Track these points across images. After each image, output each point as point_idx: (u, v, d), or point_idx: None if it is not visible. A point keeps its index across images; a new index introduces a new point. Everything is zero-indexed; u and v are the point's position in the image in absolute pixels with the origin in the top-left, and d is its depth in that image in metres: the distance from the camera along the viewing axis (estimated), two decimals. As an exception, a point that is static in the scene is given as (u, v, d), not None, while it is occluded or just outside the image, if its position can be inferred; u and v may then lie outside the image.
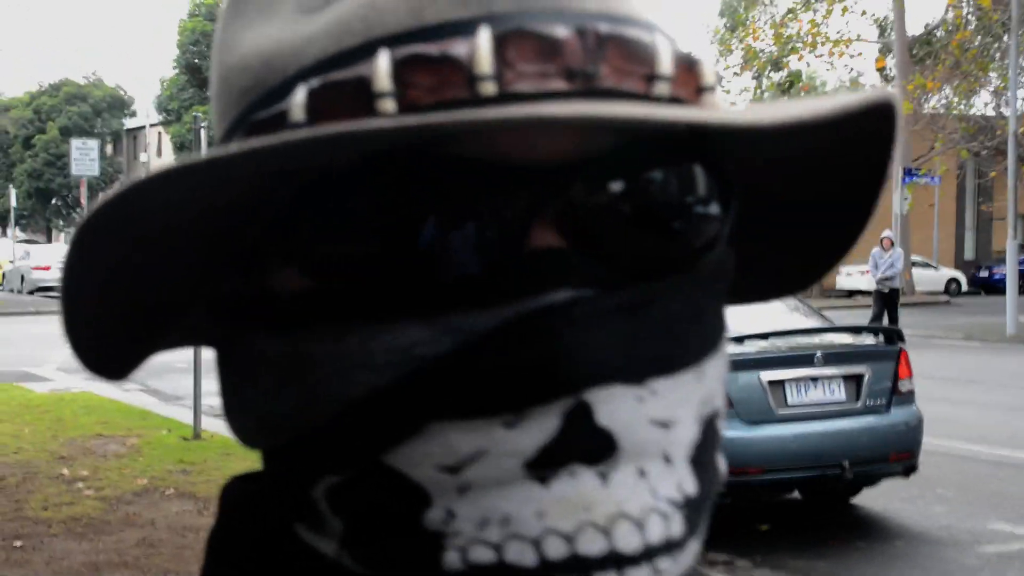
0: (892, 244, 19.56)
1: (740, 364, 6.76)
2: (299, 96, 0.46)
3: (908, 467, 7.13)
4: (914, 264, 33.91)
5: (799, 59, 31.56)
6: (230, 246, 0.49)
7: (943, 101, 30.66)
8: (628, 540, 0.44)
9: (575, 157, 0.46)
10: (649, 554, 0.45)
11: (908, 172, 25.51)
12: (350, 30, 0.46)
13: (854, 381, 7.08)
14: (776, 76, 34.96)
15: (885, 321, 18.08)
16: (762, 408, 6.75)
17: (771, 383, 6.82)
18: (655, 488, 0.46)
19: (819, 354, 6.97)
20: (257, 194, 0.45)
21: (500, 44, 0.44)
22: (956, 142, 28.93)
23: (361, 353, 0.45)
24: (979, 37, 28.23)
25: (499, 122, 0.41)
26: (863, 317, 18.49)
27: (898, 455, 7.05)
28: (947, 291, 36.30)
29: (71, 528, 6.65)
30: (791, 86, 34.70)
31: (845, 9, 29.47)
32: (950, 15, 29.74)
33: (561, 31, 0.45)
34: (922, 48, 31.81)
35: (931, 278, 36.36)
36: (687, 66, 0.48)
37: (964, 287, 37.71)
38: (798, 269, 0.61)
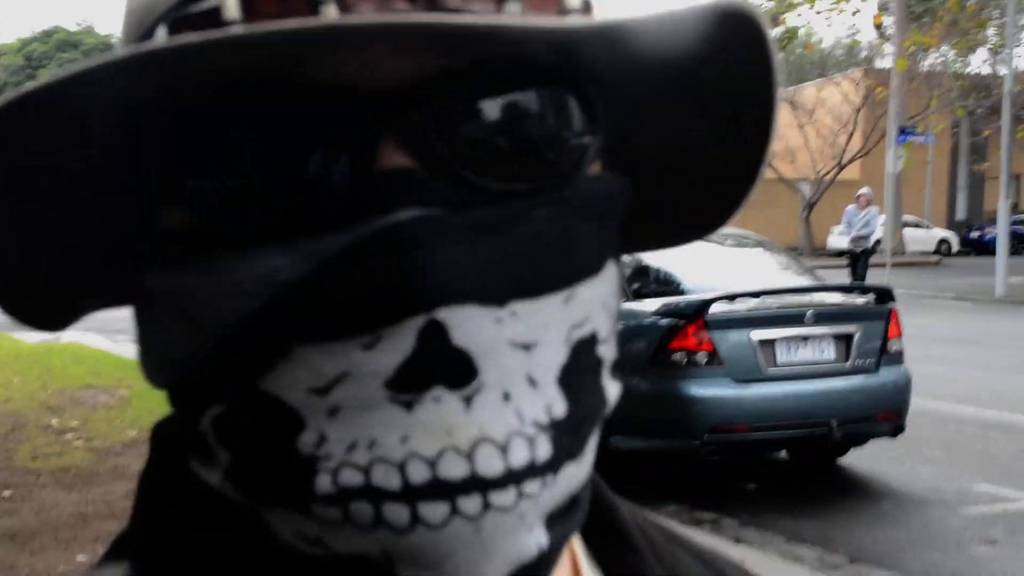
0: (869, 202, 18.51)
1: (730, 322, 6.76)
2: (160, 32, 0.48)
3: (896, 427, 7.16)
4: (905, 224, 33.95)
5: (797, 16, 31.37)
6: (121, 189, 0.49)
7: (940, 59, 30.54)
8: (490, 464, 0.45)
9: (421, 78, 0.46)
10: (513, 477, 0.45)
11: (903, 131, 25.41)
12: None
13: (844, 340, 7.08)
14: (774, 32, 34.72)
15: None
16: (752, 367, 6.76)
17: (761, 342, 6.82)
18: (520, 410, 0.46)
19: (810, 313, 6.97)
20: (140, 124, 0.46)
21: None
22: (952, 101, 28.83)
23: (229, 281, 0.46)
24: (977, -5, 28.04)
25: (345, 28, 0.41)
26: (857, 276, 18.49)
27: (886, 415, 7.07)
28: (938, 251, 36.39)
29: (60, 479, 6.66)
30: (789, 42, 34.51)
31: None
32: (949, -28, 29.49)
33: None
34: (921, 4, 31.63)
35: (922, 238, 36.42)
36: None
37: (955, 247, 37.78)
38: (703, 214, 0.60)
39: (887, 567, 5.73)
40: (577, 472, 0.49)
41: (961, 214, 44.15)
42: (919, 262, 32.14)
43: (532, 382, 0.47)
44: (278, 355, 0.45)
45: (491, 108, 0.47)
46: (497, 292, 0.45)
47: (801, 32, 36.41)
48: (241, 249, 0.46)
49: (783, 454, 7.79)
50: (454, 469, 0.44)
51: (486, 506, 0.45)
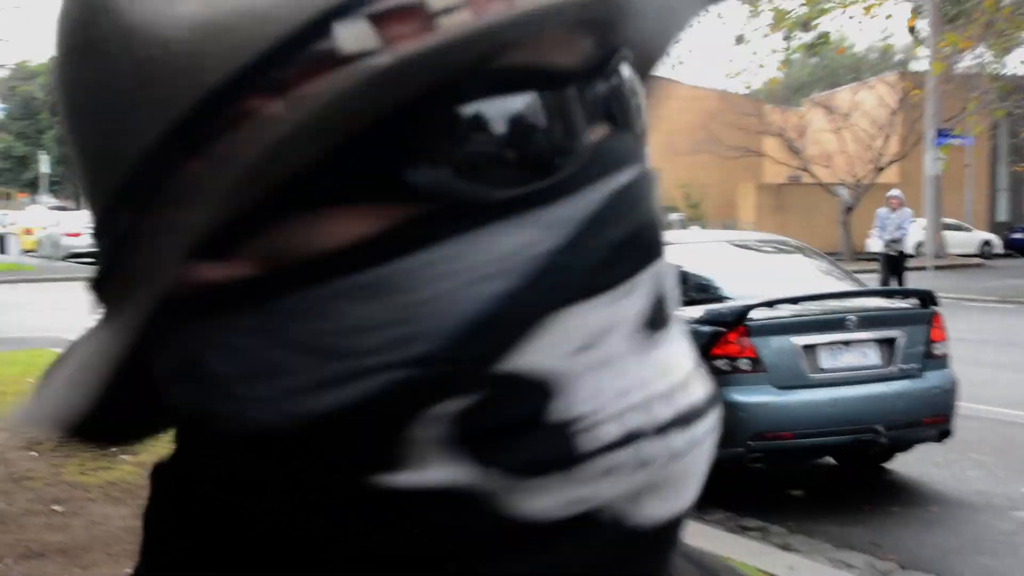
0: (900, 204, 17.95)
1: (772, 328, 6.73)
2: (351, 28, 0.44)
3: (943, 431, 7.09)
4: (946, 226, 33.63)
5: (830, 20, 31.22)
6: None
7: (976, 61, 30.26)
8: (696, 394, 0.50)
9: (588, 61, 0.50)
10: (706, 405, 0.50)
11: (941, 133, 25.20)
12: None
13: (887, 345, 7.03)
14: (806, 36, 34.59)
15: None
16: (795, 373, 6.73)
17: (804, 347, 6.79)
18: (685, 348, 0.52)
19: (852, 318, 6.93)
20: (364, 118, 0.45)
21: None
22: (990, 102, 28.55)
23: (468, 268, 0.46)
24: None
25: (554, 6, 0.45)
26: (893, 280, 18.31)
27: (932, 419, 7.01)
28: (981, 253, 36.01)
29: (109, 493, 6.73)
30: (823, 45, 34.33)
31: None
32: (984, -27, 29.25)
33: None
34: (954, 7, 31.38)
35: (964, 240, 36.07)
36: None
37: (998, 249, 37.38)
38: None
39: (937, 572, 5.68)
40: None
41: (1003, 216, 43.65)
42: (961, 264, 31.83)
43: (678, 327, 0.52)
44: (535, 328, 0.46)
45: (627, 74, 0.53)
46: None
47: (834, 36, 36.23)
48: (481, 229, 0.46)
49: (829, 459, 7.74)
50: (683, 400, 0.49)
51: (707, 431, 0.50)
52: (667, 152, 39.94)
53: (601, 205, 0.48)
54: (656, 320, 0.49)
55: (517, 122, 0.47)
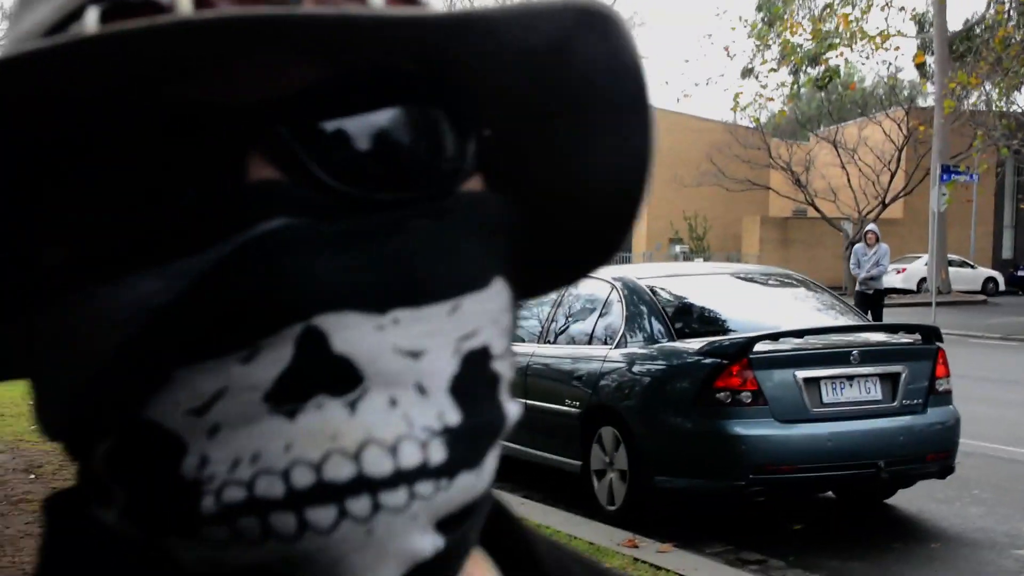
0: (877, 239, 16.83)
1: (775, 361, 6.72)
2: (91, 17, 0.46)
3: (944, 468, 7.06)
4: (951, 263, 33.61)
5: (838, 55, 31.35)
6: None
7: (983, 98, 30.35)
8: (378, 464, 0.45)
9: (285, 92, 0.46)
10: (404, 477, 0.45)
11: (946, 170, 25.23)
12: None
13: (890, 380, 7.01)
14: (814, 71, 34.72)
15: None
16: (797, 406, 6.71)
17: (806, 381, 6.77)
18: (409, 416, 0.46)
19: (855, 352, 6.92)
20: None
21: None
22: (996, 139, 28.61)
23: (106, 312, 0.46)
24: (1021, 33, 27.89)
25: (214, 21, 0.41)
26: (898, 315, 18.31)
27: (934, 455, 6.98)
28: (984, 290, 35.98)
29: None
30: (829, 81, 34.45)
31: (885, 6, 29.22)
32: (991, 11, 29.40)
33: None
34: (962, 44, 31.50)
35: (968, 277, 36.04)
36: None
37: (1002, 286, 37.35)
38: (592, 237, 0.60)
39: (938, 610, 5.63)
40: (475, 483, 0.49)
41: (1007, 253, 43.63)
42: (965, 301, 31.79)
43: (421, 389, 0.47)
44: (158, 381, 0.45)
45: (358, 120, 0.48)
46: (376, 299, 0.46)
47: (843, 72, 36.36)
48: (116, 278, 0.46)
49: (830, 493, 7.70)
50: (340, 470, 0.44)
51: (376, 507, 0.45)
52: (672, 183, 40.03)
53: (222, 257, 0.44)
54: (308, 386, 0.44)
55: (154, 160, 0.45)
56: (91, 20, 0.45)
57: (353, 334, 0.45)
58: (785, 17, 31.87)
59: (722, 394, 6.61)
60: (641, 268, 9.21)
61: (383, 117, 0.48)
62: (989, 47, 27.17)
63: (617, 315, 7.62)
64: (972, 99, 29.89)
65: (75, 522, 0.52)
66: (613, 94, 0.52)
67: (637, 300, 7.56)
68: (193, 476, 0.45)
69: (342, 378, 0.45)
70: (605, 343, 7.57)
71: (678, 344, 7.03)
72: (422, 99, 0.49)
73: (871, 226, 17.04)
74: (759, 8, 36.14)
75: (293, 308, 0.44)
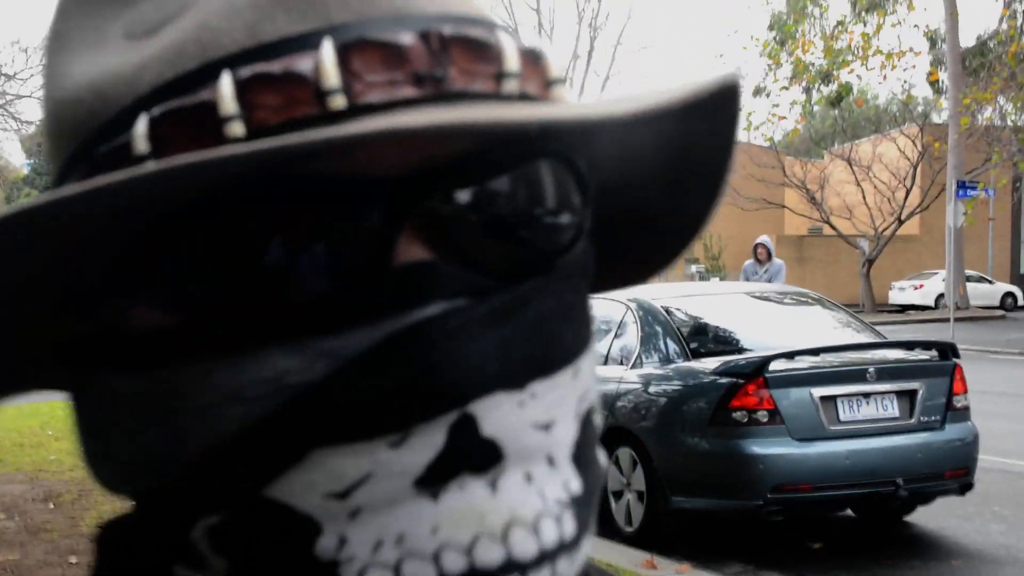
0: (770, 255, 13.94)
1: (791, 380, 6.70)
2: (140, 126, 0.44)
3: (964, 484, 7.02)
4: (968, 278, 33.46)
5: (849, 72, 31.33)
6: (70, 286, 0.47)
7: (998, 113, 30.27)
8: (524, 546, 0.44)
9: (433, 165, 0.45)
10: (547, 557, 0.45)
11: (962, 186, 25.16)
12: (185, 53, 0.44)
13: (908, 397, 6.98)
14: (826, 89, 34.71)
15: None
16: (814, 424, 6.68)
17: (823, 399, 6.75)
18: (543, 491, 0.46)
19: (872, 370, 6.90)
20: (101, 231, 0.43)
21: (344, 55, 0.43)
22: (1012, 155, 28.52)
23: (229, 387, 0.44)
24: (1034, 48, 27.84)
25: (358, 137, 0.39)
26: (916, 332, 18.22)
27: (953, 472, 6.94)
28: (1003, 305, 35.78)
29: (125, 544, 6.71)
30: (841, 99, 34.42)
31: (897, 24, 29.23)
32: (1004, 26, 29.36)
33: (405, 37, 0.44)
34: (975, 60, 31.45)
35: (986, 292, 35.84)
36: (533, 60, 0.48)
37: (1021, 301, 37.13)
38: (651, 254, 0.62)
39: (959, 628, 5.59)
40: (590, 543, 0.49)
41: (1025, 268, 43.41)
42: (983, 316, 31.62)
43: (551, 461, 0.46)
44: (289, 462, 0.43)
45: (498, 190, 0.47)
46: (518, 376, 0.45)
47: (856, 89, 36.35)
48: (241, 352, 0.44)
49: (848, 511, 7.66)
50: (491, 554, 0.44)
51: None
52: (688, 204, 39.80)
53: (379, 342, 0.43)
54: (455, 469, 0.43)
55: (297, 233, 0.43)
56: (234, 132, 0.43)
57: (500, 415, 0.44)
58: (797, 36, 31.88)
59: (738, 413, 6.59)
60: (655, 288, 9.23)
61: (520, 183, 0.47)
62: (1002, 62, 27.11)
63: (632, 336, 7.62)
64: (987, 114, 29.80)
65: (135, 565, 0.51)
66: (705, 157, 0.54)
67: (652, 320, 7.56)
68: (330, 557, 0.43)
69: (487, 459, 0.44)
70: (621, 364, 7.57)
71: (694, 364, 7.02)
72: (550, 159, 0.49)
73: (763, 238, 14.21)
74: (771, 27, 36.17)
75: (453, 396, 0.43)
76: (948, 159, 28.57)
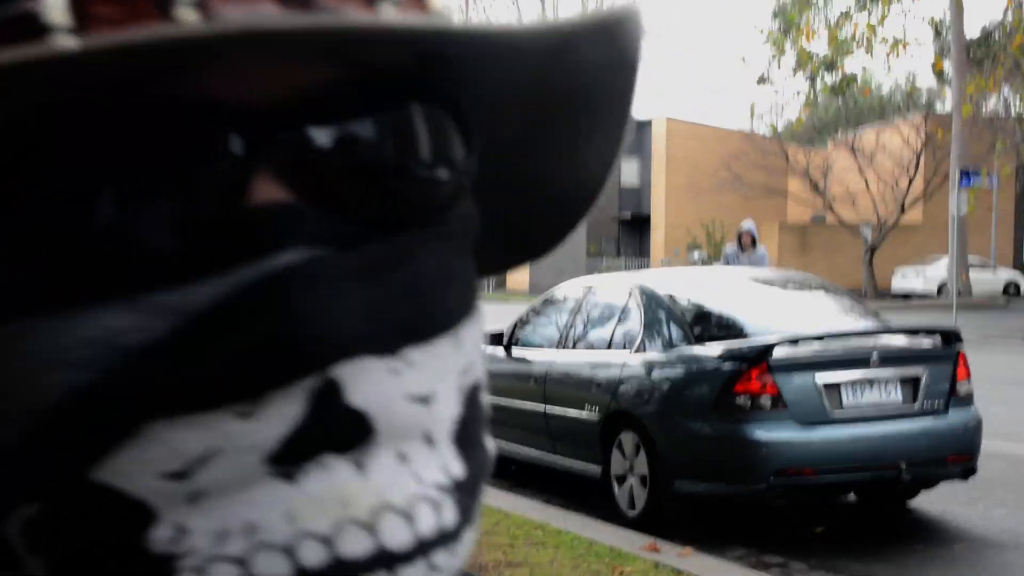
0: (754, 242, 13.13)
1: (794, 366, 6.72)
2: None
3: (966, 469, 7.04)
4: (971, 266, 33.47)
5: (851, 57, 31.28)
6: None
7: (1002, 103, 30.26)
8: (397, 535, 0.39)
9: (296, 95, 0.38)
10: (423, 548, 0.39)
11: (965, 174, 25.15)
12: None
13: (911, 383, 7.01)
14: (830, 78, 34.68)
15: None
16: (817, 410, 6.70)
17: (826, 385, 6.77)
18: (419, 473, 0.40)
19: (875, 356, 6.91)
20: None
21: None
22: (1016, 144, 28.51)
23: (51, 350, 0.37)
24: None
25: (211, 36, 0.33)
26: (919, 319, 18.24)
27: (956, 457, 6.96)
28: (1005, 292, 35.81)
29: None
30: (846, 87, 34.39)
31: (902, 13, 29.15)
32: (1009, 16, 29.31)
33: None
34: (979, 50, 31.41)
35: (989, 280, 35.86)
36: None
37: (1023, 289, 37.15)
38: (544, 228, 0.54)
39: (961, 611, 5.61)
40: (472, 538, 0.43)
41: (1028, 256, 43.41)
42: (986, 303, 31.63)
43: (429, 440, 0.41)
44: (120, 436, 0.37)
45: (372, 128, 0.40)
46: (390, 338, 0.39)
47: (860, 78, 36.30)
48: (68, 310, 0.37)
49: (851, 496, 7.68)
50: (357, 545, 0.38)
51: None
52: (690, 191, 39.98)
53: (227, 294, 0.37)
54: (316, 445, 0.37)
55: (133, 168, 0.37)
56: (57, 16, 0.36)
57: (368, 383, 0.38)
58: (801, 25, 31.84)
59: (742, 398, 6.61)
60: (659, 274, 9.22)
61: (397, 123, 0.41)
62: (1007, 52, 27.07)
63: (635, 321, 7.64)
64: (991, 104, 29.78)
65: None
66: (608, 91, 0.46)
67: (655, 305, 7.57)
68: (164, 550, 0.37)
69: (353, 434, 0.38)
70: (624, 348, 7.59)
71: (697, 349, 7.04)
72: (431, 101, 0.42)
73: (747, 224, 13.29)
74: (775, 16, 36.12)
75: (311, 357, 0.37)
76: (951, 147, 28.55)
